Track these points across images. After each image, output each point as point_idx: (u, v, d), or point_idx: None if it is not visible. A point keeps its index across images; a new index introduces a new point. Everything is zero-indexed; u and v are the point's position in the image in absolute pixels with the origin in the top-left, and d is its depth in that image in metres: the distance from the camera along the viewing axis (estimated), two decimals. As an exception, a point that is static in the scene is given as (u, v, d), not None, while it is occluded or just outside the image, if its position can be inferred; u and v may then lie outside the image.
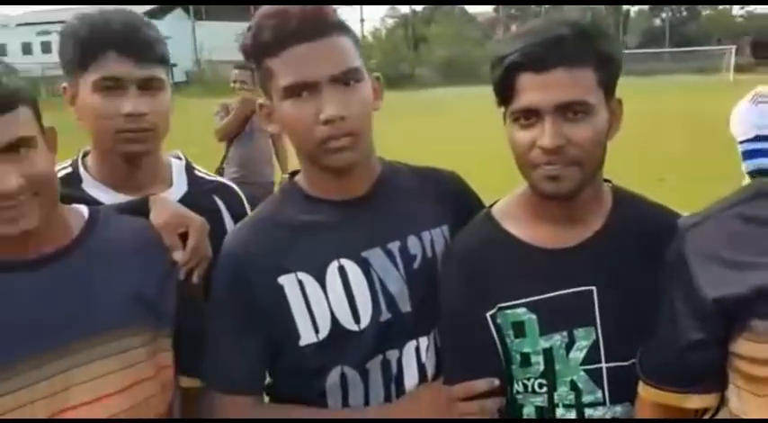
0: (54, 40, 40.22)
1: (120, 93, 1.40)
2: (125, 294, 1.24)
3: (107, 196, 1.46)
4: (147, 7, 35.23)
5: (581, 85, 1.14)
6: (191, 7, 42.29)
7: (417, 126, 14.90)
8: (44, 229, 1.16)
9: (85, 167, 1.51)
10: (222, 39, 28.47)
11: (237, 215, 1.59)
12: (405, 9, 50.79)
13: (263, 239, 1.28)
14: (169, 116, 1.50)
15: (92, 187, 1.48)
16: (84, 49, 1.40)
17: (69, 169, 1.49)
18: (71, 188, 1.40)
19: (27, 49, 42.15)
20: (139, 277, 1.26)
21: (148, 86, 1.43)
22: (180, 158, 1.63)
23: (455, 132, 13.62)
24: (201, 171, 1.66)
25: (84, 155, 1.54)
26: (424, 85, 31.42)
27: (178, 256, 1.33)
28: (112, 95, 1.40)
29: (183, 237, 1.35)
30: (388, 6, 52.99)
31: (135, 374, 1.23)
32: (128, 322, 1.23)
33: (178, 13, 42.10)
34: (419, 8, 51.28)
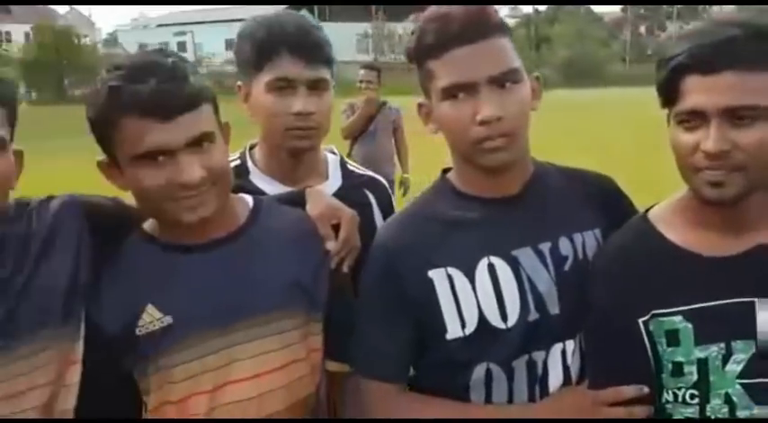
0: (188, 40, 42.71)
1: (291, 92, 1.50)
2: (283, 279, 1.31)
3: (271, 187, 1.56)
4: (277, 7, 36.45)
5: (751, 89, 1.10)
6: (315, 8, 43.56)
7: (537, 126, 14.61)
8: (217, 216, 1.26)
9: (252, 160, 1.62)
10: (344, 39, 29.12)
11: (386, 209, 1.65)
12: (527, 9, 49.94)
13: (414, 233, 1.32)
14: (331, 115, 1.59)
15: (258, 179, 1.58)
16: (259, 51, 1.50)
17: (238, 161, 1.60)
18: (239, 179, 1.50)
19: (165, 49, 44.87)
20: (297, 264, 1.34)
21: (316, 87, 1.51)
22: (335, 154, 1.71)
23: (577, 133, 13.26)
24: (353, 166, 1.73)
25: (251, 148, 1.65)
26: (544, 86, 30.74)
27: (331, 245, 1.40)
28: (283, 95, 1.50)
29: (336, 228, 1.42)
30: (509, 6, 52.27)
31: (290, 355, 1.31)
32: (285, 306, 1.31)
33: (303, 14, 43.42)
34: (542, 8, 50.24)
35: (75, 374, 1.24)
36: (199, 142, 1.19)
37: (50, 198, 1.30)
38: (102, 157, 1.25)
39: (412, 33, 1.29)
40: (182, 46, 42.65)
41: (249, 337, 1.27)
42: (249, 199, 1.40)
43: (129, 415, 1.29)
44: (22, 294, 1.19)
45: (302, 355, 1.34)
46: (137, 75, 1.15)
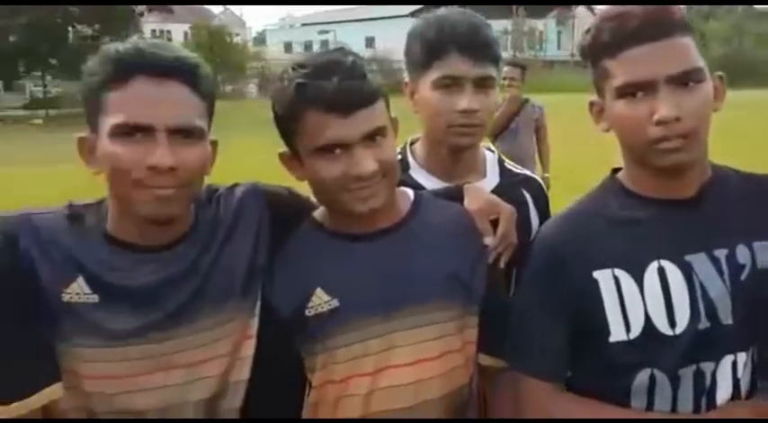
0: (331, 38, 44.13)
1: (457, 90, 1.53)
2: (442, 271, 1.35)
3: (429, 182, 1.60)
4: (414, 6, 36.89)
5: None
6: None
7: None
8: (384, 207, 1.31)
9: (413, 155, 1.67)
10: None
11: (542, 208, 1.65)
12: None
13: (579, 232, 1.31)
14: (494, 113, 1.61)
15: (417, 173, 1.63)
16: (429, 50, 1.54)
17: (399, 156, 1.66)
18: (401, 173, 1.55)
19: (308, 47, 46.57)
20: (455, 257, 1.37)
21: (482, 85, 1.54)
22: (492, 152, 1.72)
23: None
24: (510, 164, 1.74)
25: (412, 143, 1.70)
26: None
27: (489, 240, 1.41)
28: (450, 92, 1.53)
29: (494, 223, 1.44)
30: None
31: (446, 345, 1.34)
32: (443, 297, 1.34)
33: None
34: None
35: (249, 348, 1.34)
36: (373, 136, 1.25)
37: (235, 185, 1.42)
38: (282, 149, 1.34)
39: (587, 32, 1.28)
40: (324, 44, 44.12)
41: (408, 324, 1.32)
42: (410, 192, 1.45)
43: (297, 391, 1.37)
44: (208, 273, 1.30)
45: (457, 346, 1.36)
46: (321, 72, 1.22)
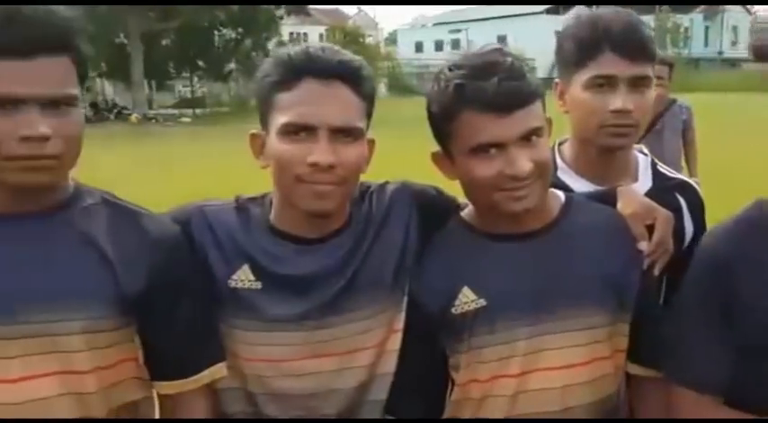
0: (462, 37, 44.03)
1: (610, 90, 1.48)
2: (594, 275, 1.32)
3: (578, 184, 1.56)
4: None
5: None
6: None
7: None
8: (535, 208, 1.30)
9: (561, 156, 1.64)
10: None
11: (697, 214, 1.57)
12: None
13: (749, 242, 1.23)
14: (651, 112, 1.55)
15: (565, 175, 1.60)
16: (582, 49, 1.51)
17: None
18: None
19: (439, 46, 46.73)
20: (608, 262, 1.34)
21: (638, 84, 1.49)
22: (645, 154, 1.66)
23: None
24: (664, 168, 1.67)
25: (560, 144, 1.67)
26: None
27: (644, 246, 1.37)
28: (602, 92, 1.49)
29: (649, 229, 1.39)
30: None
31: (596, 351, 1.31)
32: (594, 302, 1.31)
33: (580, 7, 42.18)
34: None
35: (396, 342, 1.38)
36: (529, 137, 1.25)
37: (386, 183, 1.46)
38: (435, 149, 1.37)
39: (757, 31, 1.21)
40: (455, 43, 44.09)
41: (558, 328, 1.30)
42: (560, 194, 1.43)
43: (440, 388, 1.39)
44: (361, 266, 1.35)
45: (607, 353, 1.33)
46: (480, 73, 1.23)
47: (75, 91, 1.15)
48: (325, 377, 1.34)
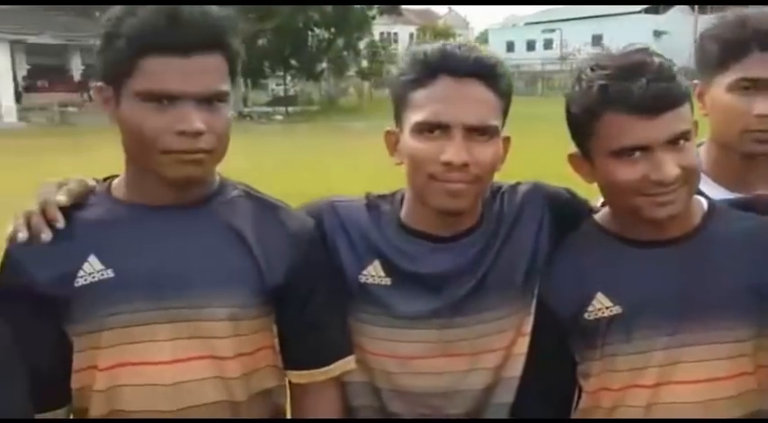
0: (555, 37, 43.12)
1: (755, 93, 1.43)
2: (739, 286, 1.26)
3: (714, 191, 1.50)
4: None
5: None
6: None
7: None
8: (679, 214, 1.25)
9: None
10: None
11: None
12: None
13: None
14: None
15: (701, 181, 1.53)
16: (728, 50, 1.45)
17: None
18: None
19: (531, 45, 45.96)
20: (755, 272, 1.27)
21: None
22: None
23: None
24: None
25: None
26: None
27: None
28: (747, 95, 1.43)
29: None
30: None
31: (739, 366, 1.25)
32: (739, 313, 1.25)
33: (681, 6, 40.61)
34: None
35: (523, 345, 1.36)
36: (677, 140, 1.20)
37: (518, 183, 1.44)
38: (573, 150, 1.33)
39: None
40: (548, 43, 43.26)
41: (699, 340, 1.24)
42: (703, 200, 1.37)
43: (567, 394, 1.36)
44: (492, 266, 1.34)
45: (751, 368, 1.26)
46: (626, 74, 1.19)
47: (227, 87, 1.19)
48: (453, 377, 1.34)
